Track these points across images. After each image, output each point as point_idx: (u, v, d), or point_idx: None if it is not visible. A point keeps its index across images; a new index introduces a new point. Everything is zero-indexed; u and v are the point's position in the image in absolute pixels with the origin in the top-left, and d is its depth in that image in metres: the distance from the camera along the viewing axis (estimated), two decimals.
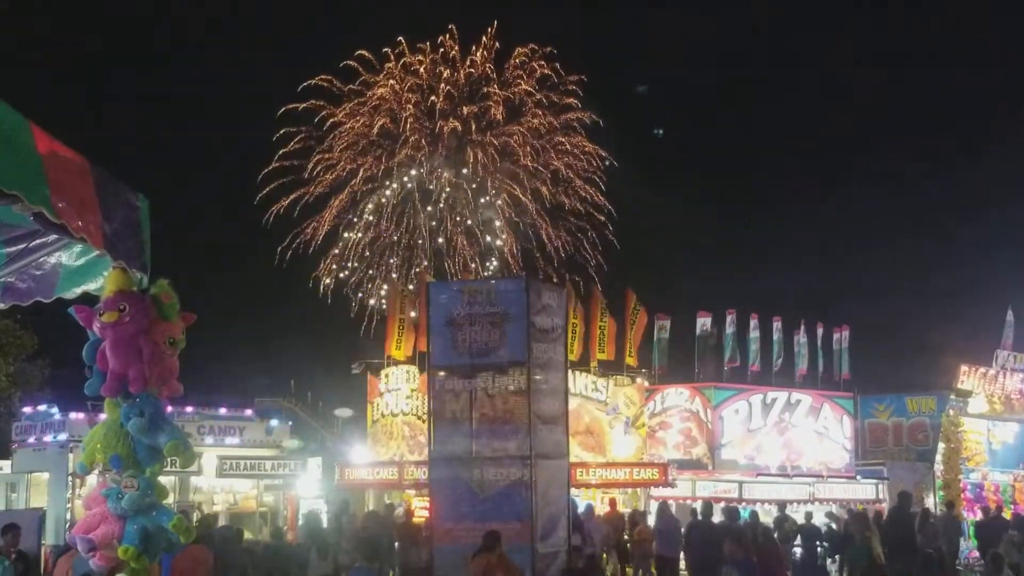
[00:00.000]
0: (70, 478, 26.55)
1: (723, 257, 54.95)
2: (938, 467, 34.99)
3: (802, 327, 35.76)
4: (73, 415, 27.83)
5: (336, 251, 51.93)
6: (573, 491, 21.98)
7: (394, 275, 50.30)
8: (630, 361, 29.85)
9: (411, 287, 29.14)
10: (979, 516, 31.62)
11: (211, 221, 50.99)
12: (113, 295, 6.02)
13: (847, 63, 74.76)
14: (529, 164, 52.24)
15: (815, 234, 65.29)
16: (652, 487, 27.64)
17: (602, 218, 52.15)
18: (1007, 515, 29.58)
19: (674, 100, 59.73)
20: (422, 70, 51.63)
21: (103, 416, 6.26)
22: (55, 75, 61.79)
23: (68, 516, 25.54)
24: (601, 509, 27.06)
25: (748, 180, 60.51)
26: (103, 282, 6.20)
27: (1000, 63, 77.67)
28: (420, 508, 25.01)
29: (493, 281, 20.35)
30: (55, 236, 5.81)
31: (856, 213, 65.65)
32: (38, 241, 6.18)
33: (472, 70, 51.69)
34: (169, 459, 6.18)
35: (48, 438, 28.45)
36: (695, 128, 61.35)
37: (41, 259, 6.45)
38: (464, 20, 51.04)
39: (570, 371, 23.82)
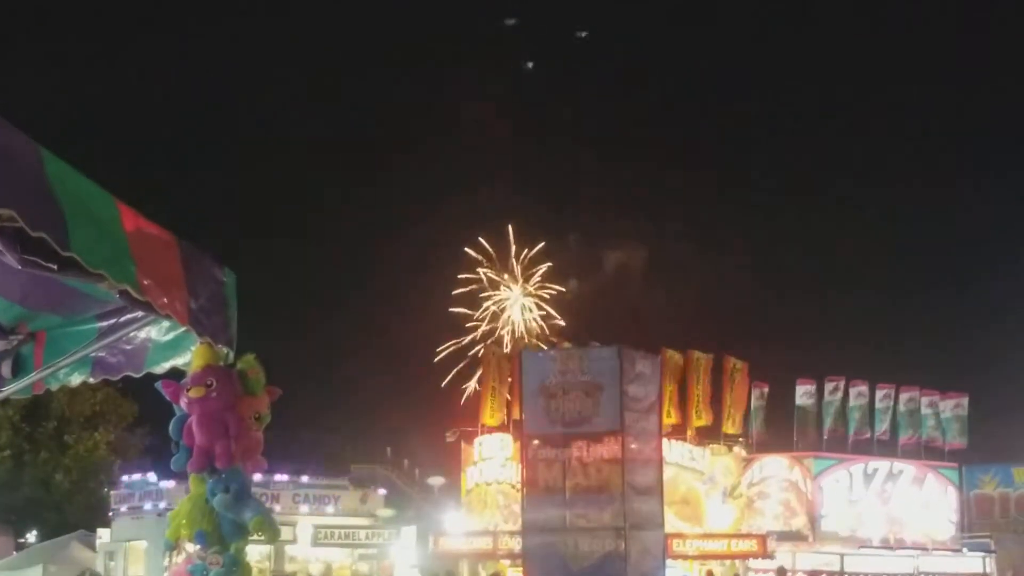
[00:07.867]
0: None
1: (831, 324, 54.09)
2: None
3: (900, 395, 34.92)
4: (163, 483, 27.99)
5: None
6: (669, 562, 21.59)
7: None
8: (728, 429, 29.41)
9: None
10: None
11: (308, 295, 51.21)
12: (200, 370, 6.03)
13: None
14: None
15: (934, 302, 63.82)
16: (750, 559, 27.08)
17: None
18: None
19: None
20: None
21: None
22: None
23: None
24: None
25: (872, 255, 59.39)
26: (191, 356, 6.21)
27: None
28: None
29: (586, 350, 20.21)
30: (142, 312, 5.82)
31: (972, 284, 64.15)
32: (128, 316, 6.20)
33: None
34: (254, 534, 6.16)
35: (146, 506, 28.73)
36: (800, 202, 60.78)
37: (132, 334, 6.46)
38: None
39: (665, 439, 23.53)
